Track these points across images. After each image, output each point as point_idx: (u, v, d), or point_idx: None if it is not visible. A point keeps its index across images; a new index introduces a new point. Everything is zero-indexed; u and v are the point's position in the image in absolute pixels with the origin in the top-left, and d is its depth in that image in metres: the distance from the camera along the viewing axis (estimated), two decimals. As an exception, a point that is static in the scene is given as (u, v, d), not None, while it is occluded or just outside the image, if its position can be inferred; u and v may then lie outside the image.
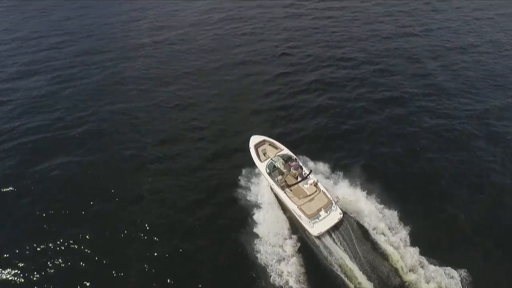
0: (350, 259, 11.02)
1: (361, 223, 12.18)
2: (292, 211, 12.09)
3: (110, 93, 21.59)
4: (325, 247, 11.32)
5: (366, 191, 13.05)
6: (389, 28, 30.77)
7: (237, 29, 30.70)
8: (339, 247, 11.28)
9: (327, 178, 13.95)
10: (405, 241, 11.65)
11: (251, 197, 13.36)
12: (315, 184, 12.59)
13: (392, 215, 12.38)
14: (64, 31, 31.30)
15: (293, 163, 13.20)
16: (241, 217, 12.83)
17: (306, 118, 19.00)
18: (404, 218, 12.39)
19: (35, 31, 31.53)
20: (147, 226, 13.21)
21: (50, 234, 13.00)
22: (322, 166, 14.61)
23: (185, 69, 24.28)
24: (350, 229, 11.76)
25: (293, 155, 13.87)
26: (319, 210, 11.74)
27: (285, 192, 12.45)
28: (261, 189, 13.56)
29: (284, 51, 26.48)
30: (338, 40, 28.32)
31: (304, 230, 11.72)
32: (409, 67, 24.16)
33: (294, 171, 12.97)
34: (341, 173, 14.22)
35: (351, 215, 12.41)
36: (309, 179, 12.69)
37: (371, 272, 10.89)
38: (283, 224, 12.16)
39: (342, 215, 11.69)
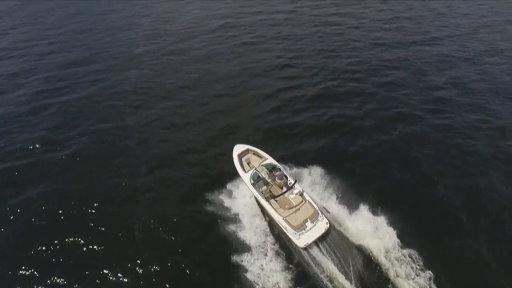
0: (339, 271, 10.69)
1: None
2: (278, 223, 11.75)
3: (101, 111, 20.09)
4: (313, 258, 11.01)
5: (386, 220, 12.07)
6: (396, 36, 29.41)
7: (236, 38, 29.25)
8: (327, 258, 10.98)
9: (340, 204, 12.67)
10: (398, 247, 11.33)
11: (235, 210, 12.88)
12: (301, 194, 12.35)
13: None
14: (55, 39, 29.86)
15: (278, 173, 12.88)
16: (225, 234, 12.30)
17: (311, 139, 17.39)
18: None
19: (23, 40, 30.11)
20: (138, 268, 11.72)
21: (28, 279, 11.50)
22: (332, 191, 13.29)
23: (180, 82, 22.82)
24: (338, 239, 11.49)
25: (277, 164, 13.62)
26: (305, 221, 11.50)
27: (270, 203, 12.12)
28: (246, 201, 13.16)
29: (286, 63, 25.03)
30: (343, 50, 26.89)
31: (291, 241, 11.43)
32: (420, 80, 22.74)
33: (279, 181, 12.64)
34: (354, 199, 12.94)
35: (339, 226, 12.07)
36: (294, 189, 12.47)
37: (361, 285, 10.54)
38: (268, 238, 11.86)
39: (329, 225, 11.46)
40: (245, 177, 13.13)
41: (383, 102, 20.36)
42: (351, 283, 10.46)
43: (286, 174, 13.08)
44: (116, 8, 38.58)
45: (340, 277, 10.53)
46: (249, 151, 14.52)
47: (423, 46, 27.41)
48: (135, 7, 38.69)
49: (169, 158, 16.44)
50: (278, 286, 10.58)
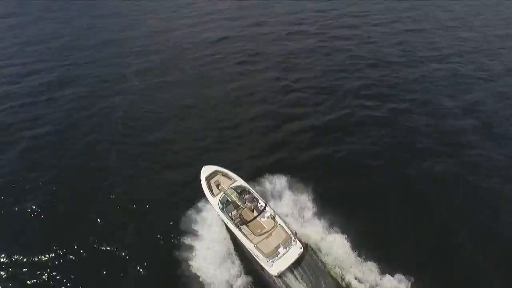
0: None
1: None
2: (249, 251, 11.05)
3: (79, 147, 17.24)
4: (288, 287, 10.40)
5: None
6: (413, 51, 26.54)
7: (235, 55, 26.43)
8: (303, 285, 10.40)
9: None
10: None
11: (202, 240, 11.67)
12: (273, 218, 11.74)
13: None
14: (33, 57, 27.08)
15: (247, 196, 12.28)
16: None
17: (323, 181, 14.27)
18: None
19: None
20: None
21: None
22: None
23: (172, 111, 20.02)
24: (314, 264, 10.86)
25: (247, 186, 12.89)
26: (278, 246, 10.92)
27: (240, 230, 11.37)
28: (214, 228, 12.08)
29: (289, 85, 22.22)
30: (355, 69, 24.08)
31: (263, 269, 10.74)
32: (447, 103, 19.94)
33: (249, 204, 11.99)
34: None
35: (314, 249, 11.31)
36: (265, 212, 11.84)
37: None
38: (239, 268, 10.92)
39: (302, 249, 10.84)
40: (214, 201, 12.30)
41: (406, 133, 17.58)
42: None
43: (256, 196, 12.40)
44: (106, 19, 35.90)
45: None
46: (218, 173, 13.65)
47: (439, 63, 24.54)
48: (126, 18, 36.01)
49: (156, 204, 13.65)
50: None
